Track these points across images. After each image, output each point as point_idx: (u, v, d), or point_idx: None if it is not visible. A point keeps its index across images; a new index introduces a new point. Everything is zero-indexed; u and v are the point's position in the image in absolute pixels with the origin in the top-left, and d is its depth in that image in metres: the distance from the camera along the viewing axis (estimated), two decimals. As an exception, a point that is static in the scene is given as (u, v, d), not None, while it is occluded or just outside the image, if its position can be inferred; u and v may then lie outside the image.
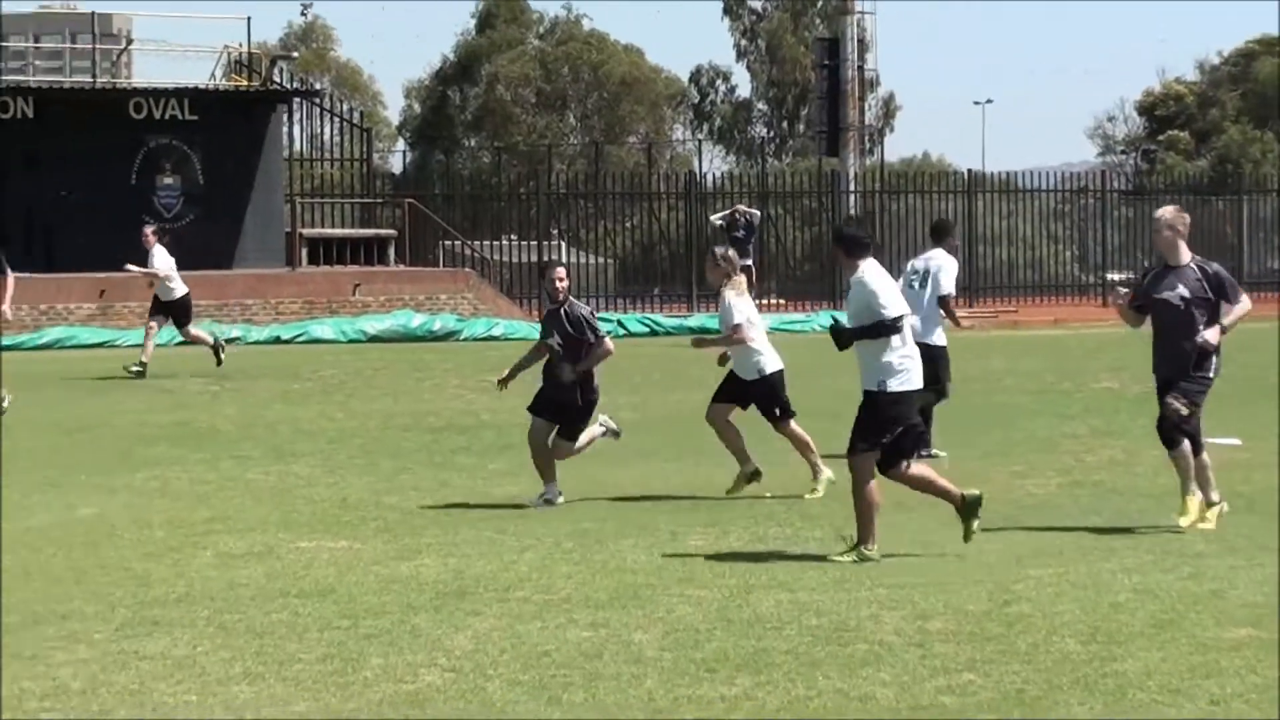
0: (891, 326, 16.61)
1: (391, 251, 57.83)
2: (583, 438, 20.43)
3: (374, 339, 48.30)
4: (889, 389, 16.58)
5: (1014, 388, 34.19)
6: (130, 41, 56.00)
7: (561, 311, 19.99)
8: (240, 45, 57.14)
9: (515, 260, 59.93)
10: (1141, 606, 14.42)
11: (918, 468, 17.05)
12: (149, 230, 37.60)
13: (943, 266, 24.69)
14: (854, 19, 67.68)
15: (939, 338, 24.33)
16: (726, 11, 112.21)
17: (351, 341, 47.95)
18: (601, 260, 63.80)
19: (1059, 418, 27.75)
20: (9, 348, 40.60)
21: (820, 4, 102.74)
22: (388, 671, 12.57)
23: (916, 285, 24.54)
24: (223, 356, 37.16)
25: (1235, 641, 13.30)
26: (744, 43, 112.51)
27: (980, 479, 20.40)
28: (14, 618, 14.31)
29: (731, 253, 21.79)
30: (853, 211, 64.19)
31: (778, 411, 20.80)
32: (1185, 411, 17.76)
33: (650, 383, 35.54)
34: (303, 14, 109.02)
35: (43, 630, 13.86)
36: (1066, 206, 70.13)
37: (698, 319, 53.99)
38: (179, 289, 37.13)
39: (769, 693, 11.90)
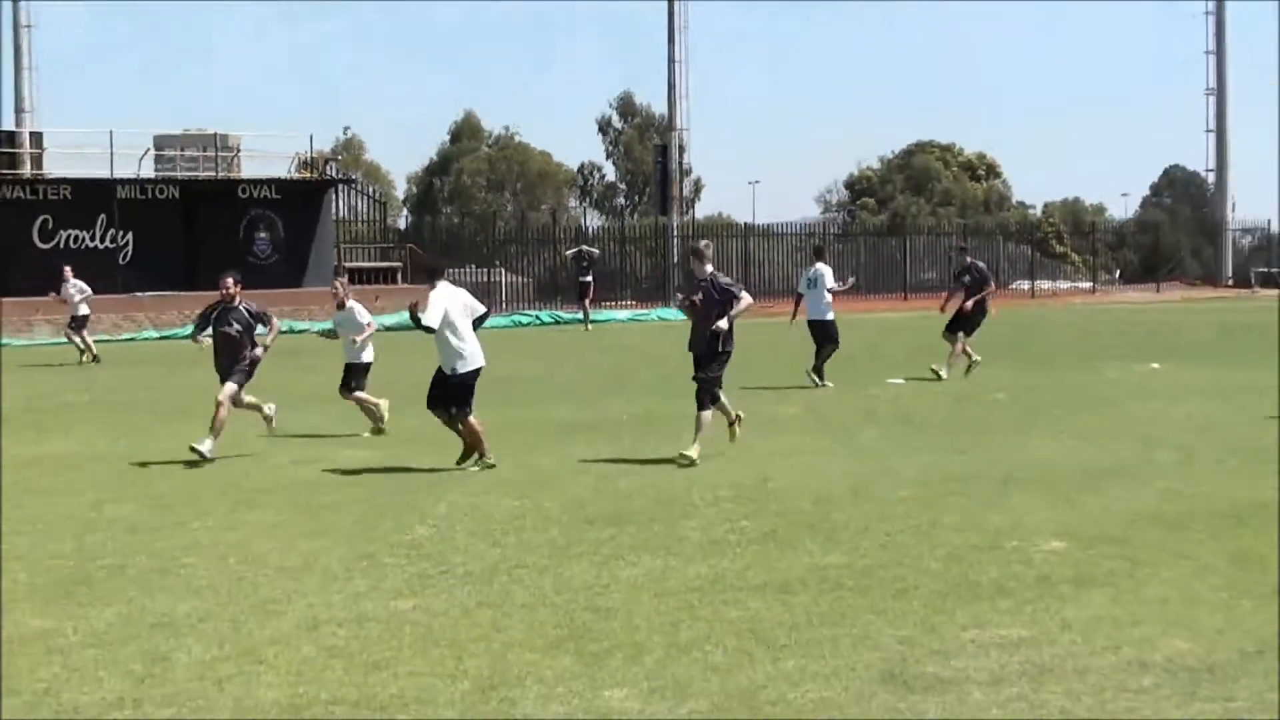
0: (428, 329, 15.93)
1: (398, 276, 57.83)
2: (251, 399, 18.27)
3: (389, 329, 48.14)
4: (457, 370, 16.09)
5: (782, 354, 34.32)
6: (239, 150, 55.60)
7: (241, 307, 17.86)
8: (306, 152, 56.92)
9: (474, 281, 60.32)
10: (845, 481, 14.52)
11: (475, 421, 16.14)
12: (68, 269, 35.93)
13: (826, 273, 25.43)
14: (677, 134, 67.85)
15: (830, 315, 24.94)
16: (600, 130, 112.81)
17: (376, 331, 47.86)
18: (525, 280, 63.85)
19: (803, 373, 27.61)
20: (167, 337, 40.18)
21: (657, 124, 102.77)
22: (396, 527, 12.57)
23: (811, 286, 25.05)
24: (86, 360, 34.17)
25: (901, 499, 13.43)
26: (611, 148, 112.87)
27: (746, 405, 20.44)
28: (162, 503, 14.22)
29: (343, 280, 21.69)
30: (676, 252, 64.66)
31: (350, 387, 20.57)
32: (713, 383, 16.47)
33: (556, 354, 35.57)
34: (345, 131, 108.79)
35: (180, 509, 13.77)
36: (802, 244, 70.52)
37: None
38: (84, 309, 35.01)
39: (628, 535, 11.95)
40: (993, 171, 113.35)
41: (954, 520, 12.30)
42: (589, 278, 48.91)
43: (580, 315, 48.88)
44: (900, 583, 10.10)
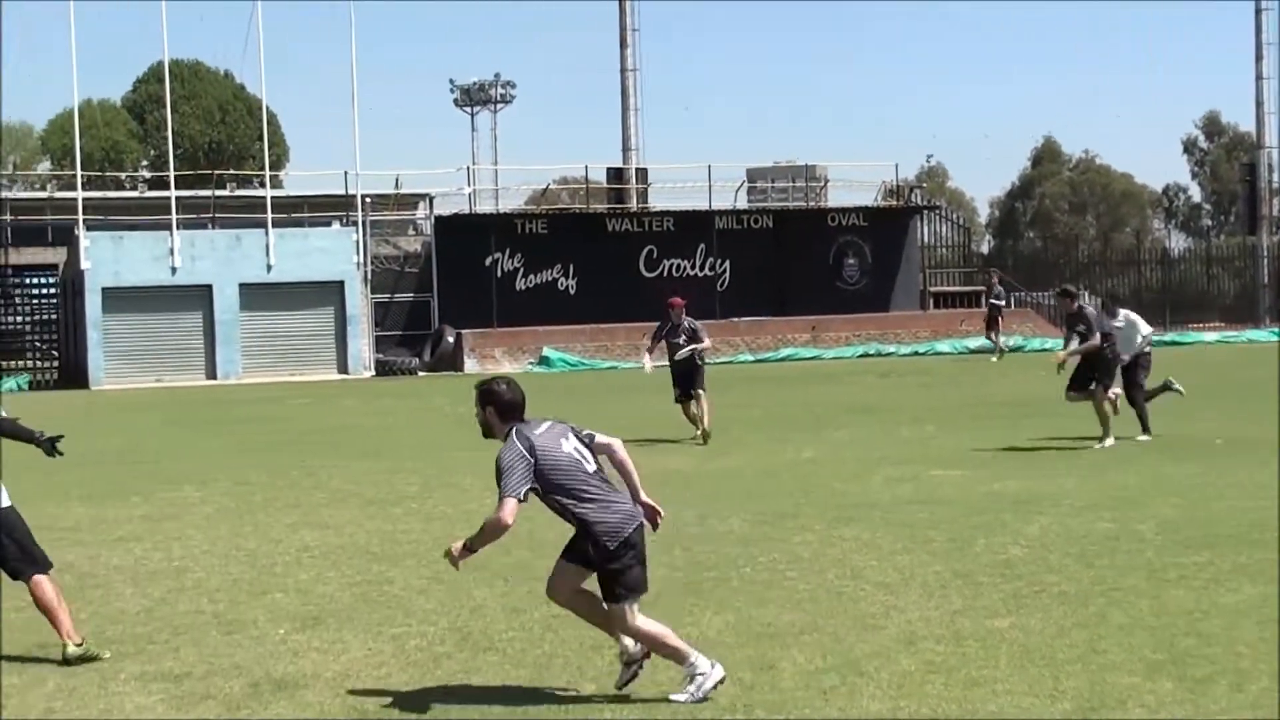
0: None
1: (980, 300, 56.66)
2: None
3: (973, 351, 47.81)
4: None
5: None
6: (827, 181, 56.53)
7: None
8: (892, 180, 57.49)
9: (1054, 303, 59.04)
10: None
11: None
12: None
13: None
14: (1265, 151, 64.98)
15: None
16: (1185, 150, 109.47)
17: (960, 354, 47.81)
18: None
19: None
20: (762, 361, 40.70)
21: (1245, 143, 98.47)
22: (989, 547, 12.45)
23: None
24: None
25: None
26: (1196, 168, 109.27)
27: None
28: (764, 520, 14.47)
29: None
30: (1265, 271, 61.66)
31: None
32: None
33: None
34: (928, 159, 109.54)
35: (783, 524, 13.96)
36: None
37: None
38: None
39: (1226, 560, 11.41)
40: None
41: None
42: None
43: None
44: None
